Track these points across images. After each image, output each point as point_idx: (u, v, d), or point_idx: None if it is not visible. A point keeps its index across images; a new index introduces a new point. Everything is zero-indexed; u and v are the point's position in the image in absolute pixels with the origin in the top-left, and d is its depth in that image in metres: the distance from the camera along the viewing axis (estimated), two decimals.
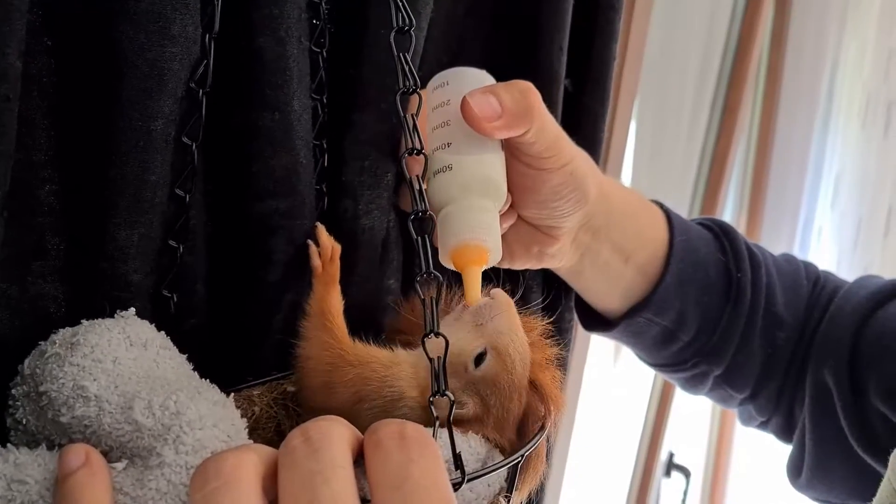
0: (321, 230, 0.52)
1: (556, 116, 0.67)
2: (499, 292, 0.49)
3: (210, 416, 0.36)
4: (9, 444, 0.35)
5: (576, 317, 0.77)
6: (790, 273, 0.74)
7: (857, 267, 2.22)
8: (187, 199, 0.45)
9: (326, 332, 0.48)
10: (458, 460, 0.37)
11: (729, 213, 2.19)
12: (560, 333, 0.76)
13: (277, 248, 0.50)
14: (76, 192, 0.41)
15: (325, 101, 0.53)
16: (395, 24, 0.41)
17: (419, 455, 0.32)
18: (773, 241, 2.23)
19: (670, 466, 2.08)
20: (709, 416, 2.31)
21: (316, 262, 0.51)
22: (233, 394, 0.40)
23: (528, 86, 0.52)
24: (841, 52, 2.17)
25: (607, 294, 0.71)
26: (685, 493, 2.11)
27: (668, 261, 0.68)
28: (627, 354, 1.73)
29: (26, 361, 0.39)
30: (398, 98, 0.41)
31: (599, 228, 0.64)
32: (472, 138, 0.50)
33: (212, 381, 0.42)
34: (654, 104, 1.56)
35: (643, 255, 0.68)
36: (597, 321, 0.74)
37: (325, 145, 0.54)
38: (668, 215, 0.71)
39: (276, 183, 0.49)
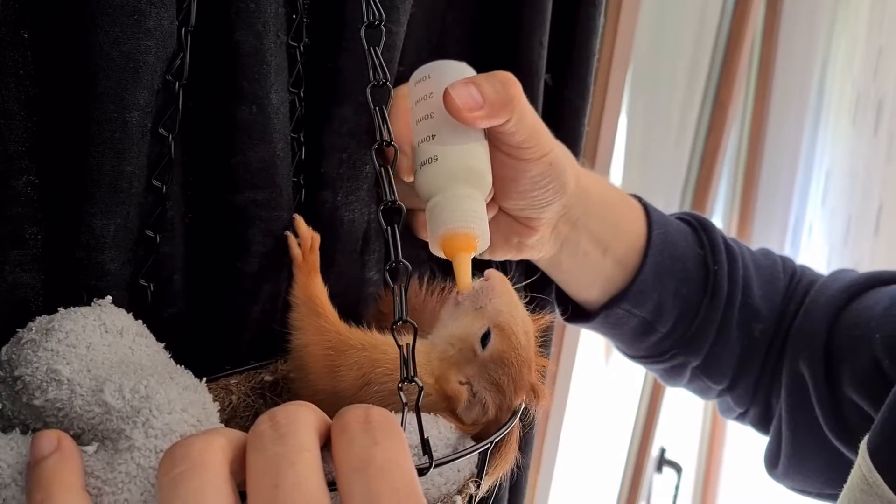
0: (299, 221, 0.52)
1: (536, 110, 0.68)
2: (492, 272, 0.50)
3: (179, 401, 0.36)
4: None
5: (557, 311, 0.79)
6: (767, 267, 0.75)
7: (847, 264, 2.23)
8: (164, 189, 0.46)
9: (319, 317, 0.49)
10: (426, 446, 0.38)
11: (720, 209, 2.20)
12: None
13: (255, 240, 0.51)
14: (53, 182, 0.41)
15: (302, 94, 0.54)
16: (365, 19, 0.42)
17: (383, 438, 0.32)
18: (764, 238, 2.24)
19: (662, 462, 2.09)
20: (701, 411, 2.32)
21: (296, 251, 0.52)
22: (205, 379, 0.41)
23: (508, 76, 0.53)
24: (831, 49, 2.18)
25: (586, 285, 0.72)
26: (676, 489, 2.12)
27: (646, 253, 0.69)
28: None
29: (3, 349, 0.39)
30: (369, 91, 0.41)
31: (578, 219, 0.65)
32: (455, 129, 0.51)
33: (189, 370, 0.42)
34: (645, 100, 1.57)
35: (621, 247, 0.69)
36: (576, 313, 0.75)
37: (302, 138, 0.54)
38: (647, 209, 0.72)
39: (253, 175, 0.50)
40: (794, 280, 0.75)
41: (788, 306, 0.73)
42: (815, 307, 0.70)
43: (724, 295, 0.71)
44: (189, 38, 0.45)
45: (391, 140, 0.41)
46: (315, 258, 0.52)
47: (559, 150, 0.59)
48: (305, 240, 0.52)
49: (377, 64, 0.42)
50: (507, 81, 0.52)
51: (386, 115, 0.41)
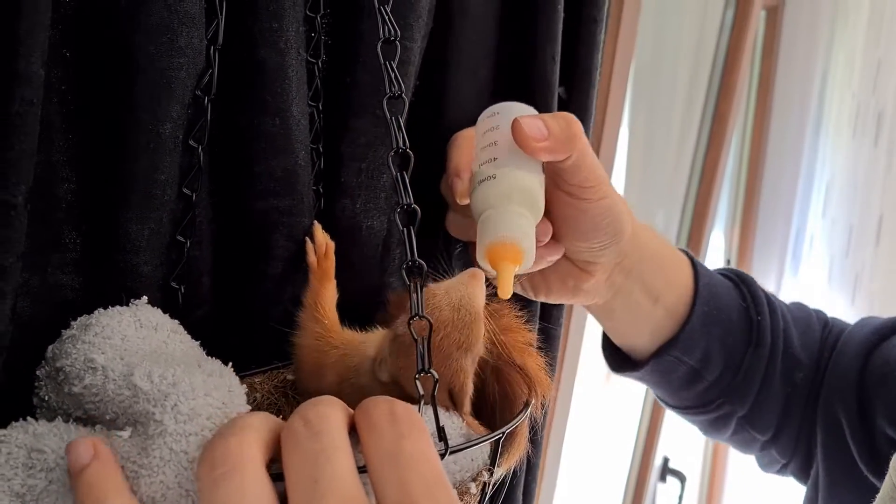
0: (317, 227, 0.55)
1: None
2: (477, 270, 0.50)
3: (203, 387, 0.38)
4: (29, 418, 0.38)
5: (562, 326, 0.81)
6: (803, 318, 0.78)
7: (848, 274, 2.25)
8: (194, 197, 0.48)
9: (317, 322, 0.52)
10: (441, 432, 0.40)
11: (721, 220, 2.23)
12: (549, 341, 0.79)
13: (278, 244, 0.53)
14: (92, 189, 0.44)
15: (320, 107, 0.57)
16: (381, 35, 0.45)
17: (409, 431, 0.35)
18: (765, 249, 2.26)
19: (665, 471, 2.10)
20: None
21: (311, 257, 0.54)
22: (231, 363, 0.43)
23: (572, 117, 0.56)
24: (830, 62, 2.21)
25: (636, 333, 0.74)
26: (680, 499, 2.13)
27: (694, 302, 0.72)
28: None
29: (49, 347, 0.42)
30: (385, 102, 0.44)
31: (632, 269, 0.68)
32: (517, 156, 0.54)
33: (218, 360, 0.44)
34: (646, 113, 1.60)
35: (671, 296, 0.72)
36: (623, 363, 0.78)
37: (321, 149, 0.57)
38: (693, 261, 0.75)
39: (276, 183, 0.52)
40: (827, 329, 0.78)
41: (823, 353, 0.75)
42: (846, 349, 0.73)
43: (768, 344, 0.74)
44: (217, 55, 0.48)
45: (406, 146, 0.44)
46: (329, 264, 0.54)
47: (617, 196, 0.62)
48: (320, 246, 0.54)
49: (393, 77, 0.45)
50: (571, 121, 0.55)
51: (401, 124, 0.44)
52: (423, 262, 0.41)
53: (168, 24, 0.44)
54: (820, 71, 2.20)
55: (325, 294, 0.54)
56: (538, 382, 0.49)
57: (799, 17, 2.15)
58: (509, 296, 0.49)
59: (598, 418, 1.70)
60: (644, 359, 0.75)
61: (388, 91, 0.45)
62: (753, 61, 2.14)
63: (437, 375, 0.41)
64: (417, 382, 0.40)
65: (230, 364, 0.43)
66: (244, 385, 0.52)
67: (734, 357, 0.74)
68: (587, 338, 1.24)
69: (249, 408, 0.40)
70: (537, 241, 0.56)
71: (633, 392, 1.87)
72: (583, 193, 0.58)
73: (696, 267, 0.74)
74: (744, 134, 2.23)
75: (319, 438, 0.34)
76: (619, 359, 0.78)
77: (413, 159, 0.44)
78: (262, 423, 0.36)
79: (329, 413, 0.36)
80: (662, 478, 2.10)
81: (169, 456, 0.37)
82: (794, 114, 2.21)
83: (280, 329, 0.54)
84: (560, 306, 0.81)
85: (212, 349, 0.48)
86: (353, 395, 0.47)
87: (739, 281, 0.78)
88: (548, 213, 0.60)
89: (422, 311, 0.41)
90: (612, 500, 1.94)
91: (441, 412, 0.42)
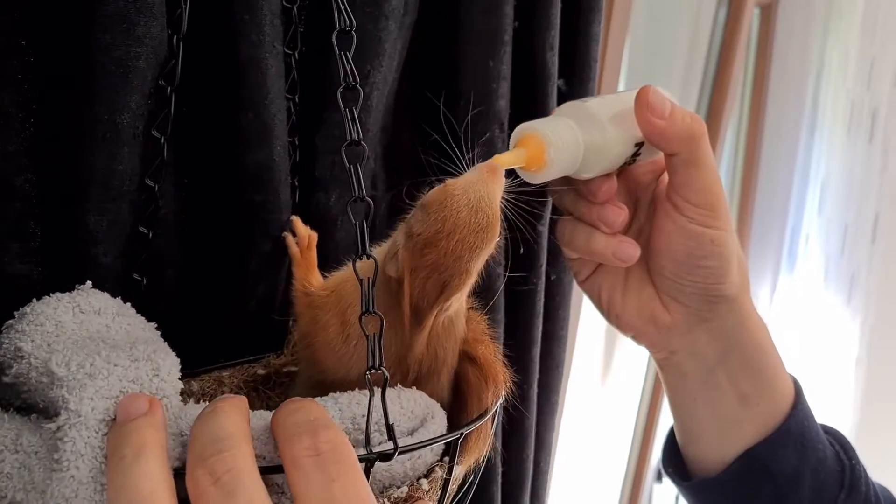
0: (297, 221, 0.54)
1: (549, 112, 0.70)
2: (495, 164, 0.48)
3: (118, 383, 0.36)
4: None
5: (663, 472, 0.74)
6: (878, 484, 0.70)
7: (844, 273, 2.24)
8: (157, 188, 0.48)
9: (309, 295, 0.51)
10: (390, 431, 0.38)
11: None
12: (555, 342, 0.79)
13: (252, 240, 0.53)
14: (50, 179, 0.44)
15: (297, 100, 0.56)
16: (337, 25, 0.44)
17: (338, 472, 0.33)
18: (761, 248, 2.25)
19: (662, 472, 2.09)
20: None
21: (294, 249, 0.54)
22: (159, 330, 0.42)
23: (701, 122, 0.52)
24: (825, 60, 2.20)
25: (714, 431, 0.64)
26: (677, 499, 2.12)
27: (793, 411, 0.63)
28: (618, 358, 1.74)
29: None
30: (339, 93, 0.43)
31: (727, 348, 0.60)
32: (622, 116, 0.51)
33: (183, 363, 0.43)
34: None
35: (762, 401, 0.62)
36: (684, 472, 0.69)
37: (296, 142, 0.57)
38: (795, 380, 0.66)
39: (251, 178, 0.52)
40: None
41: None
42: None
43: (862, 493, 0.64)
44: (181, 45, 0.47)
45: (360, 140, 0.43)
46: (312, 256, 0.54)
47: (734, 245, 0.56)
48: (303, 238, 0.54)
49: (348, 68, 0.44)
50: (698, 122, 0.52)
51: (356, 115, 0.43)
52: (374, 257, 0.40)
53: (125, 14, 0.43)
54: (814, 69, 2.19)
55: (313, 280, 0.53)
56: (491, 374, 0.47)
57: (793, 15, 2.14)
58: (498, 159, 0.48)
59: (594, 418, 1.69)
60: (722, 468, 0.64)
61: (342, 82, 0.44)
62: (747, 59, 2.13)
63: (388, 374, 0.39)
64: (368, 378, 0.39)
65: (163, 342, 0.42)
66: (212, 379, 0.53)
67: (826, 498, 0.63)
68: (581, 338, 1.24)
69: (179, 395, 0.39)
70: (592, 195, 0.55)
71: (630, 392, 1.86)
72: (687, 210, 0.54)
73: (798, 385, 0.65)
74: (738, 132, 2.22)
75: (234, 499, 0.31)
76: (683, 469, 0.69)
77: (366, 152, 0.43)
78: (161, 457, 0.34)
79: (239, 462, 0.32)
80: (658, 478, 2.09)
81: (84, 450, 0.34)
82: (788, 112, 2.20)
83: (250, 326, 0.53)
84: (565, 307, 0.79)
85: (177, 343, 0.47)
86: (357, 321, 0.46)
87: (825, 427, 0.69)
88: (649, 222, 0.58)
89: (372, 307, 0.40)
90: (609, 500, 1.93)
91: (390, 393, 0.41)
